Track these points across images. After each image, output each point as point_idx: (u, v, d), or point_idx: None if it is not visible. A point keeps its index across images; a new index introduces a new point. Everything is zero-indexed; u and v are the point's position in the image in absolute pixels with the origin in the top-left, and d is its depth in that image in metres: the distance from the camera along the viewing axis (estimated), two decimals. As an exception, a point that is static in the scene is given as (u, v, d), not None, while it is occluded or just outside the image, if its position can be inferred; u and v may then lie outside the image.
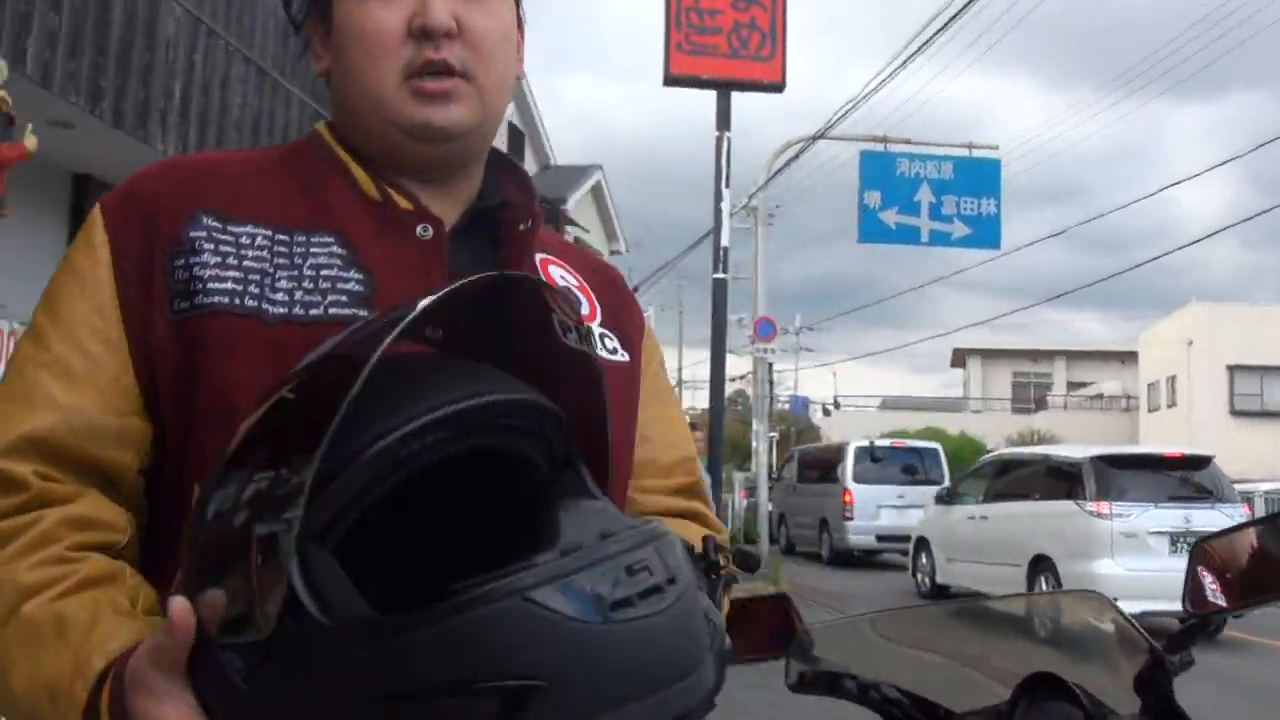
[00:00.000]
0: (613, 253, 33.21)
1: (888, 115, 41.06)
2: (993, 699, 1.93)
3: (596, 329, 1.33)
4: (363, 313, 1.12)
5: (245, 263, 1.14)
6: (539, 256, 1.35)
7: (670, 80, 21.99)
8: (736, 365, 42.08)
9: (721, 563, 1.07)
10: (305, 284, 1.15)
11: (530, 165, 27.36)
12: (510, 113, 25.20)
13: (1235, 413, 38.23)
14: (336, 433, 0.82)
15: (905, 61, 21.16)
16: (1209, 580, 1.74)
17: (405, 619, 0.80)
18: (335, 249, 1.17)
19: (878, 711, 2.01)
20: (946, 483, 19.38)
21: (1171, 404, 40.95)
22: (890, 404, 61.03)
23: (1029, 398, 56.58)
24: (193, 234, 1.14)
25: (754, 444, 26.23)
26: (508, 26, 1.29)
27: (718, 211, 21.55)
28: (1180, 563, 7.67)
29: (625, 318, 1.41)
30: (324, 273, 1.16)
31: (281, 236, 1.17)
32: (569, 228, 25.94)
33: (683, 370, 54.35)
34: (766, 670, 2.09)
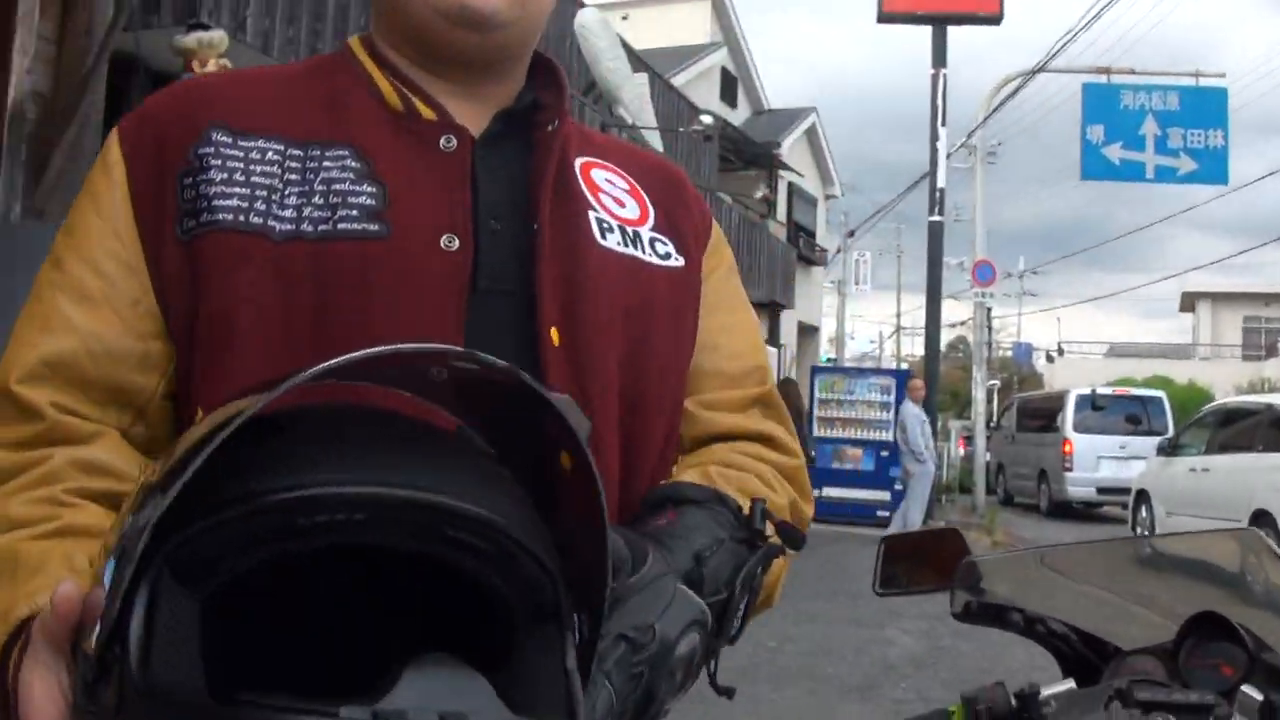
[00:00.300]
0: (828, 196, 32.88)
1: (1111, 45, 39.22)
2: (1158, 637, 1.97)
3: (647, 232, 1.25)
4: (373, 227, 1.07)
5: (253, 178, 1.08)
6: (580, 160, 1.25)
7: (884, 17, 21.59)
8: (956, 311, 41.25)
9: (767, 532, 1.06)
10: (315, 199, 1.08)
11: (744, 110, 27.27)
12: (722, 57, 25.19)
13: None
14: (228, 469, 0.74)
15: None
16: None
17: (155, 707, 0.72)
18: (349, 162, 1.10)
19: (1043, 645, 2.07)
20: (1170, 433, 18.68)
21: None
22: (1116, 351, 58.75)
23: (1260, 344, 53.60)
24: (202, 150, 1.09)
25: (973, 392, 25.72)
26: None
27: (934, 151, 21.14)
28: None
29: (683, 220, 1.31)
30: (335, 187, 1.09)
31: (294, 150, 1.11)
32: (782, 172, 25.81)
33: (900, 316, 53.55)
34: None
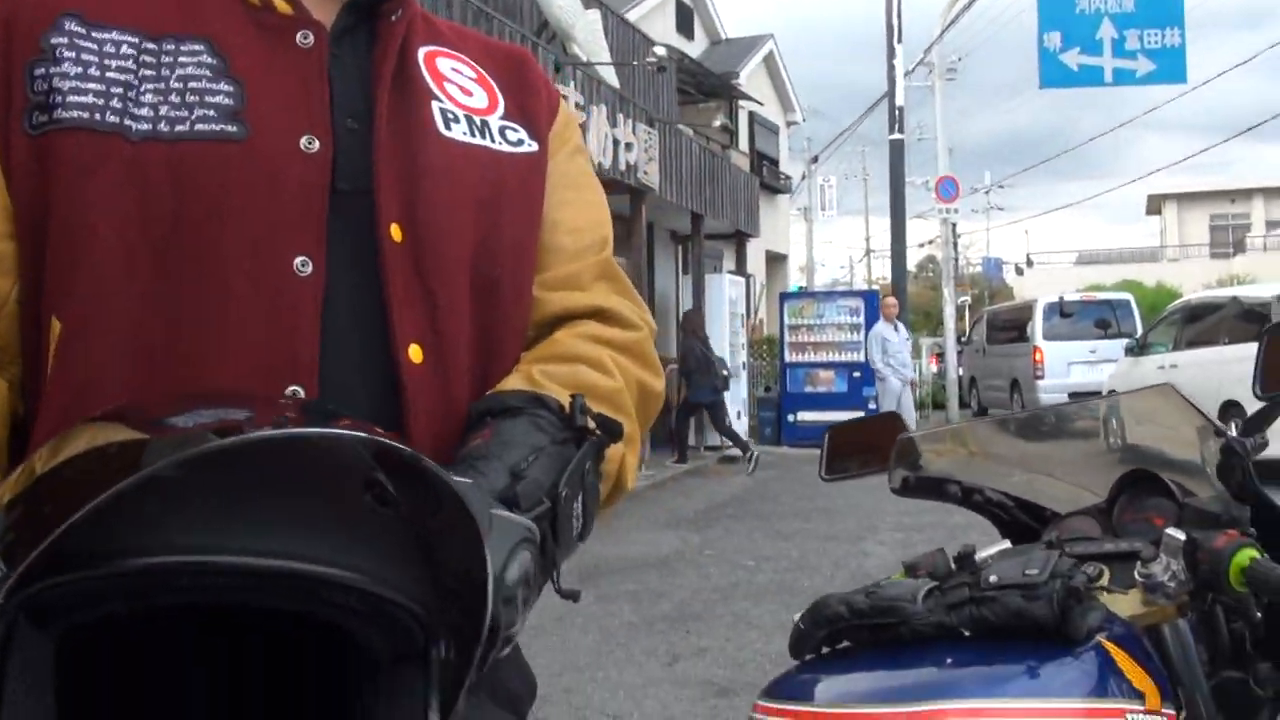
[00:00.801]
0: (790, 123, 32.72)
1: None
2: (1091, 499, 2.03)
3: (497, 120, 1.22)
4: (231, 129, 1.03)
5: (109, 74, 1.03)
6: (425, 49, 1.21)
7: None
8: (924, 230, 41.29)
9: (590, 426, 1.04)
10: (172, 98, 1.03)
11: (701, 41, 27.04)
12: (676, -14, 24.92)
13: None
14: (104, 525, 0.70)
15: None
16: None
17: None
18: (205, 57, 1.05)
19: (983, 514, 2.12)
20: (1139, 334, 18.85)
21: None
22: (1085, 258, 59.07)
23: (1227, 241, 53.92)
24: (54, 40, 1.03)
25: (944, 308, 25.82)
26: None
27: (891, 69, 21.13)
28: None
29: (532, 104, 1.28)
30: (191, 84, 1.04)
31: (150, 45, 1.05)
32: (742, 101, 25.67)
33: (869, 240, 53.56)
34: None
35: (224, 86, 1.04)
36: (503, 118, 1.23)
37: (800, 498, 11.92)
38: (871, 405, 16.72)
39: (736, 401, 18.35)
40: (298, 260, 1.03)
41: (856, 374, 18.35)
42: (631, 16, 19.41)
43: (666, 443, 17.01)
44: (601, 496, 1.11)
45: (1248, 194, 56.26)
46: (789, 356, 19.61)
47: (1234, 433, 1.79)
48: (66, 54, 1.02)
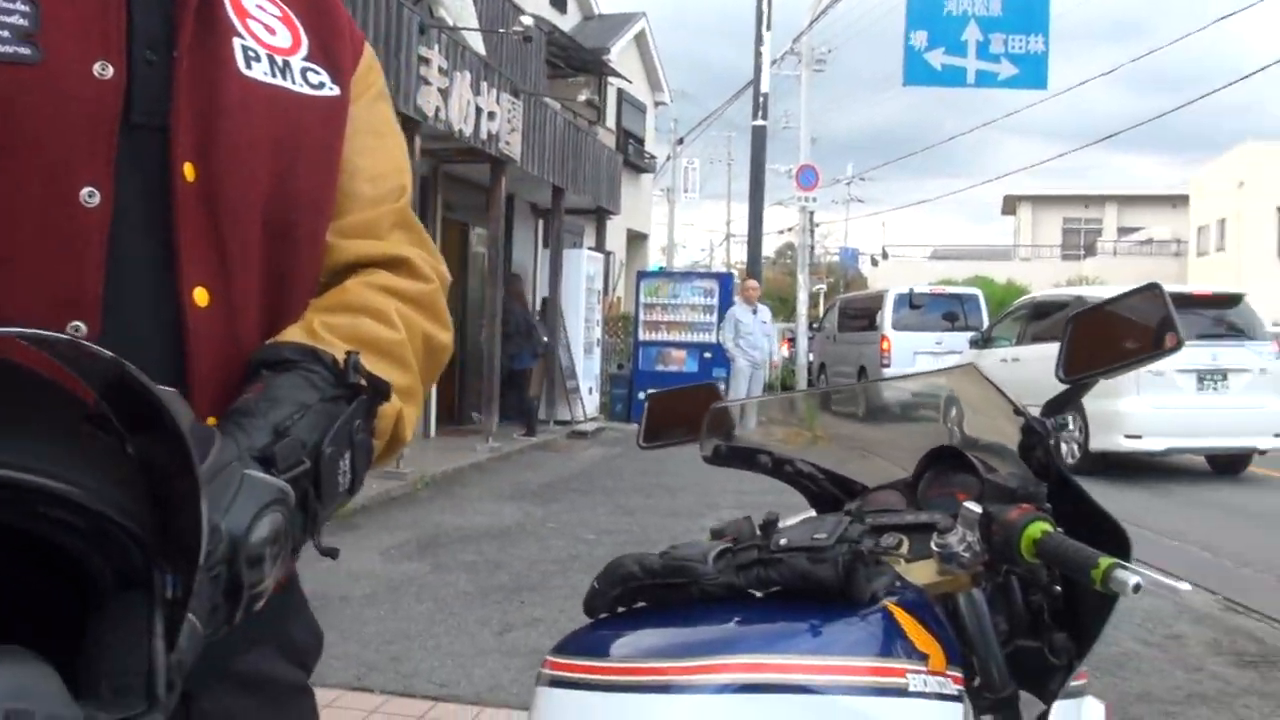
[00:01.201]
0: (658, 103, 32.81)
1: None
2: (896, 473, 2.05)
3: (299, 61, 1.19)
4: (25, 51, 0.98)
5: None
6: None
7: (709, -79, 21.49)
8: (785, 217, 41.78)
9: (362, 383, 1.05)
10: None
11: (574, 15, 26.93)
12: (550, -40, 24.76)
13: (1285, 255, 37.68)
14: None
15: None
16: (1087, 349, 1.84)
17: None
18: None
19: (793, 485, 2.14)
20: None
21: (1220, 248, 40.37)
22: (940, 253, 60.55)
23: (1079, 244, 55.92)
24: None
25: (798, 293, 26.23)
26: None
27: (758, 55, 21.31)
28: (1205, 400, 7.93)
29: (336, 45, 1.25)
30: None
31: None
32: (611, 79, 25.64)
33: (730, 224, 54.11)
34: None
35: (20, 6, 0.99)
36: (305, 59, 1.20)
37: (645, 474, 11.98)
38: (722, 386, 16.84)
39: (589, 378, 18.38)
40: (85, 190, 0.99)
41: (708, 354, 18.55)
42: (503, -16, 19.24)
43: (516, 416, 16.96)
44: (376, 452, 1.10)
45: (1101, 200, 58.42)
46: (643, 335, 19.74)
47: (1036, 413, 1.82)
48: None
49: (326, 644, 1.32)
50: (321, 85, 1.20)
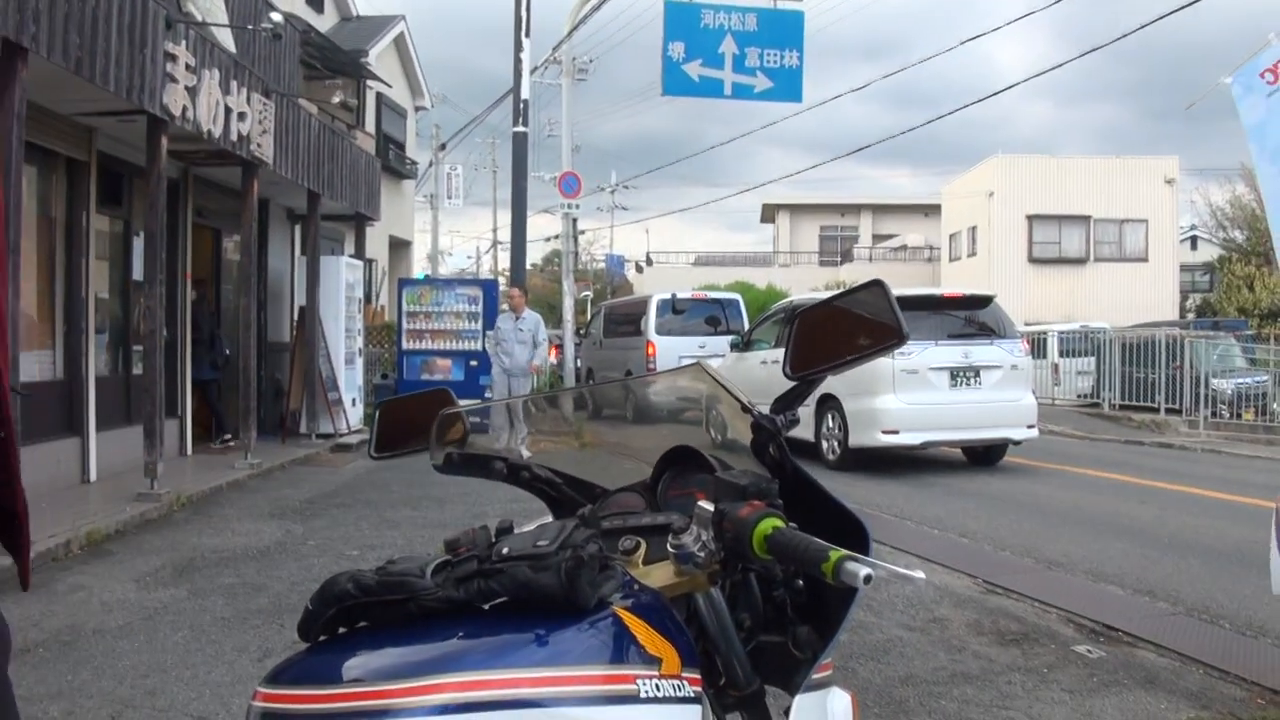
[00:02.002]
0: (418, 108, 32.41)
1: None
2: (637, 475, 2.03)
3: None
4: None
5: None
6: None
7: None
8: (552, 225, 41.90)
9: None
10: None
11: (331, 15, 26.38)
12: (305, -39, 24.17)
13: (1034, 260, 39.69)
14: None
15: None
16: (813, 345, 1.85)
17: None
18: None
19: (532, 491, 2.08)
20: (746, 331, 19.80)
21: (972, 253, 42.35)
22: (703, 260, 61.66)
23: (836, 251, 57.91)
24: None
25: (563, 299, 26.28)
26: None
27: (517, 62, 21.24)
28: (959, 395, 8.22)
29: None
30: None
31: None
32: (370, 82, 25.18)
33: (497, 231, 53.88)
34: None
35: None
36: None
37: (412, 485, 11.77)
38: (488, 394, 16.75)
39: (352, 389, 17.97)
40: None
41: (474, 362, 18.43)
42: (256, -16, 18.64)
43: (276, 430, 16.44)
44: None
45: (856, 209, 60.57)
46: (406, 344, 19.49)
47: (764, 411, 1.82)
48: None
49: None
50: None
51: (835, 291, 1.86)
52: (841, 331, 1.82)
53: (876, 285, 1.79)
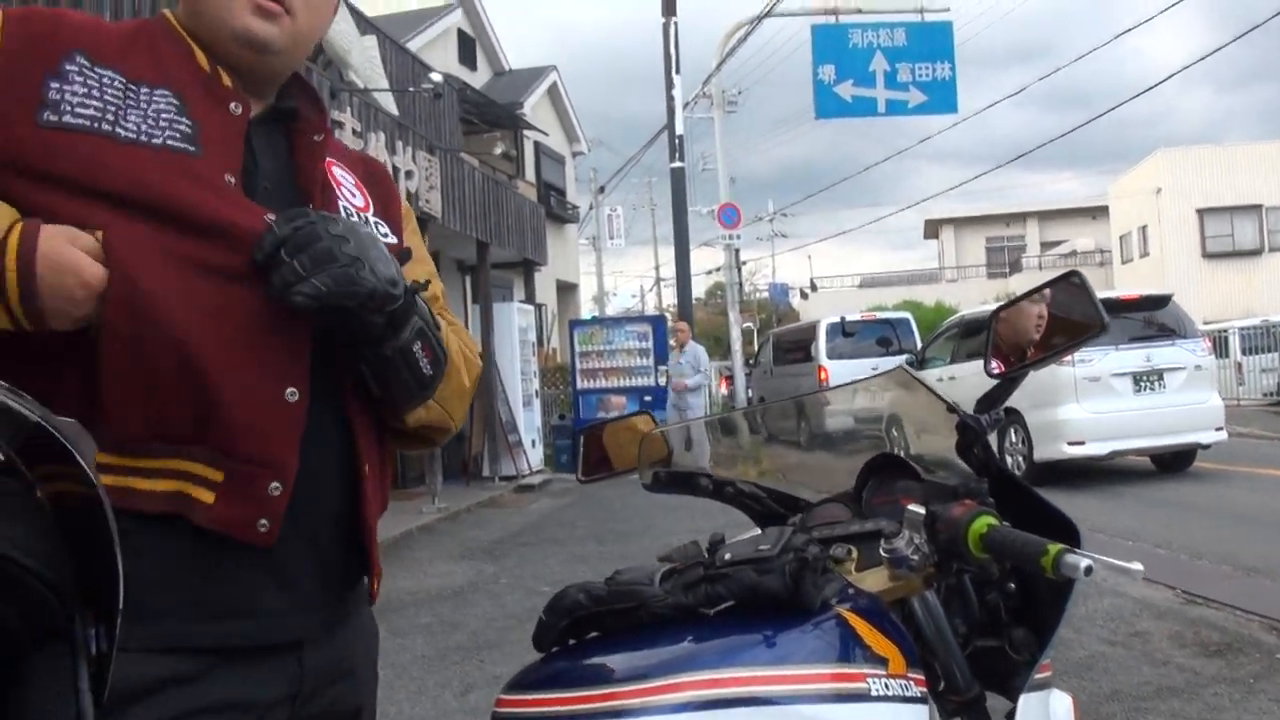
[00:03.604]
0: (575, 154, 32.96)
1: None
2: (840, 484, 2.04)
3: (372, 217, 1.67)
4: (191, 149, 1.43)
5: (105, 97, 1.40)
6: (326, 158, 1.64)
7: (611, -30, 21.74)
8: (713, 258, 42.02)
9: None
10: (149, 121, 1.42)
11: (484, 71, 27.03)
12: (458, 19, 24.89)
13: (1207, 255, 38.36)
14: None
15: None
16: (1012, 343, 1.84)
17: None
18: (172, 100, 1.46)
19: (737, 506, 2.12)
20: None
21: (1144, 254, 41.09)
22: (868, 281, 61.14)
23: (1004, 261, 56.70)
24: (68, 66, 1.40)
25: (731, 331, 26.32)
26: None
27: (670, 99, 21.46)
28: (1144, 401, 7.96)
29: (392, 204, 1.76)
30: (164, 115, 1.44)
31: (133, 86, 1.44)
32: (527, 131, 25.74)
33: (659, 268, 54.29)
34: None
35: (185, 121, 1.45)
36: (374, 215, 1.68)
37: (596, 521, 11.91)
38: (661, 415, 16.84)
39: (531, 430, 18.30)
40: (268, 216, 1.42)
41: (648, 397, 18.52)
42: (413, 46, 19.26)
43: (459, 474, 16.82)
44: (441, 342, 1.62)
45: (1021, 217, 59.37)
46: (581, 383, 19.71)
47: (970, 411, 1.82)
48: (77, 78, 1.40)
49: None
50: (387, 235, 1.66)
51: (1032, 288, 1.86)
52: (1039, 327, 1.81)
53: (1073, 276, 1.78)
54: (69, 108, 1.37)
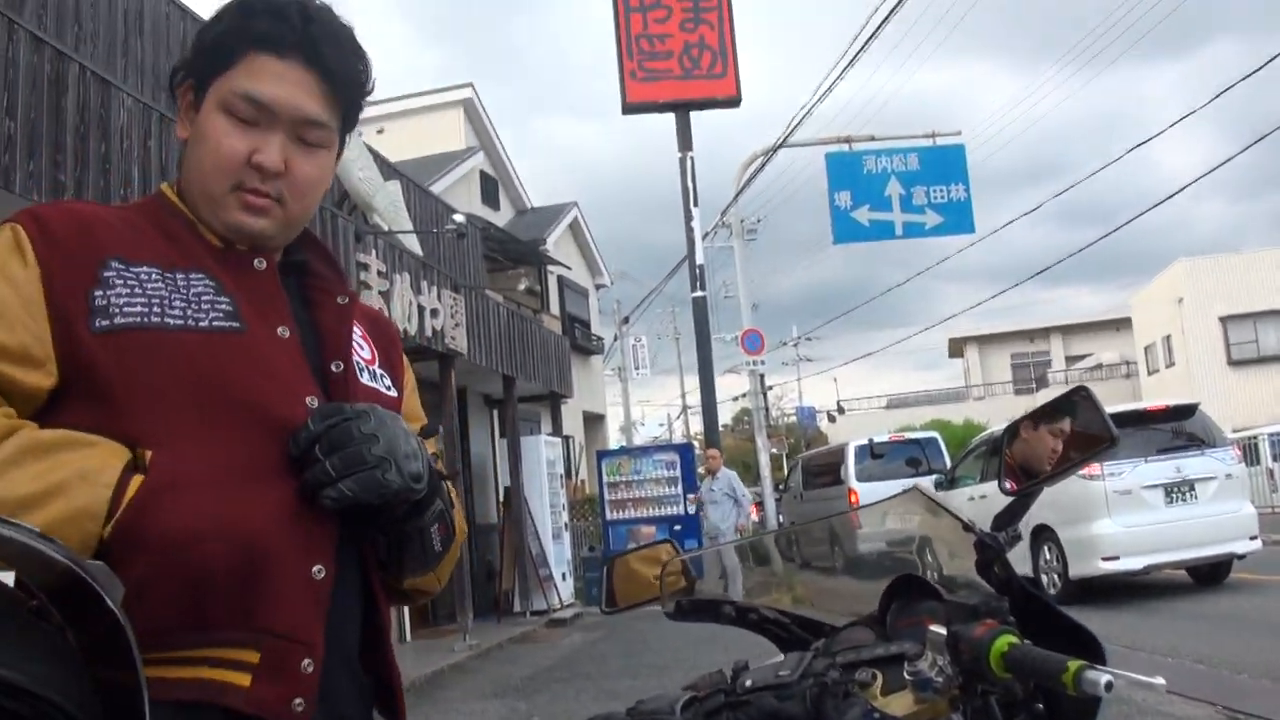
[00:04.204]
0: (598, 286, 33.31)
1: (856, 114, 41.37)
2: (863, 608, 2.04)
3: (377, 369, 1.76)
4: (235, 325, 1.52)
5: (148, 292, 1.49)
6: None
7: (628, 109, 22.22)
8: (739, 384, 42.07)
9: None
10: (192, 305, 1.51)
11: (506, 210, 27.50)
12: (480, 161, 25.42)
13: (1233, 362, 38.24)
14: None
15: (852, 60, 21.46)
16: (1026, 459, 1.86)
17: None
18: (207, 282, 1.55)
19: (759, 632, 2.11)
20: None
21: (1170, 364, 40.97)
22: (895, 402, 61.01)
23: (1030, 377, 56.61)
24: (105, 274, 1.48)
25: (758, 456, 26.26)
26: (325, 172, 1.70)
27: (689, 230, 21.74)
28: (1176, 513, 7.89)
29: (396, 358, 1.86)
30: (204, 298, 1.53)
31: (168, 274, 1.53)
32: (551, 267, 26.08)
33: (685, 396, 54.33)
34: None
35: (224, 299, 1.54)
36: (379, 366, 1.78)
37: (629, 655, 11.78)
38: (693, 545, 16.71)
39: (561, 563, 18.19)
40: (308, 398, 1.54)
41: (678, 526, 18.41)
42: (437, 189, 19.67)
43: (490, 610, 16.69)
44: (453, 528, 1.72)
45: (1045, 333, 59.43)
46: (610, 514, 19.63)
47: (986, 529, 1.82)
48: (117, 281, 1.48)
49: None
50: (389, 388, 1.77)
51: (1041, 405, 1.88)
52: (1052, 443, 1.83)
53: (1080, 391, 1.80)
54: (117, 310, 1.46)
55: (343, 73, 1.65)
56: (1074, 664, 1.40)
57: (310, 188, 1.66)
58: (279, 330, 1.57)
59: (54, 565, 0.84)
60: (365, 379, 1.70)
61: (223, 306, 1.53)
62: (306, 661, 1.43)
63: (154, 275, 1.51)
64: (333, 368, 1.64)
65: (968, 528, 1.80)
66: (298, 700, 1.41)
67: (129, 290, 1.48)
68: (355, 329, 1.75)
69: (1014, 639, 1.52)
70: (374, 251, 12.14)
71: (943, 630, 1.60)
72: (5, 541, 0.83)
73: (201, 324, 1.49)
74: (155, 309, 1.48)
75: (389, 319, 1.99)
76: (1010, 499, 1.86)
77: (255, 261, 1.61)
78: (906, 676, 1.63)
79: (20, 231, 1.49)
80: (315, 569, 1.47)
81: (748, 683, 1.46)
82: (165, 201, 1.66)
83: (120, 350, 1.44)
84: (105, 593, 0.85)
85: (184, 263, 1.55)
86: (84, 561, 0.86)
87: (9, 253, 1.48)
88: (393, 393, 1.77)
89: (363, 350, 1.74)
